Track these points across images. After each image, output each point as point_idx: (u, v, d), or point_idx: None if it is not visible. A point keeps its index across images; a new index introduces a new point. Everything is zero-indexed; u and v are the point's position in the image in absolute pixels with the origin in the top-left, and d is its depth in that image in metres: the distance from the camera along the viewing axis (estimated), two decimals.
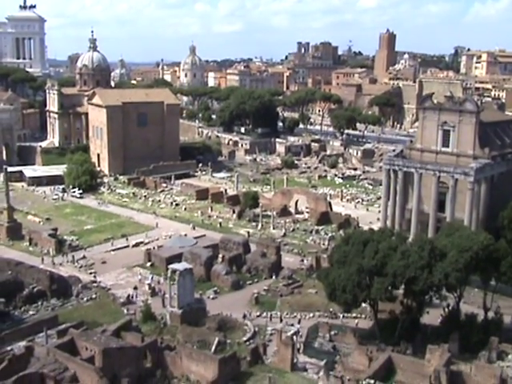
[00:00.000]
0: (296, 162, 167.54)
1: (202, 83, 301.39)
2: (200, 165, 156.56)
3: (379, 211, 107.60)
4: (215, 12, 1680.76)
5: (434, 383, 52.69)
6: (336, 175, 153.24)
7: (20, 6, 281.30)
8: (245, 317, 69.53)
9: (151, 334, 62.22)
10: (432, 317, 65.73)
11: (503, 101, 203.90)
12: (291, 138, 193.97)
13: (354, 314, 69.12)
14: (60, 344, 56.26)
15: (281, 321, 69.30)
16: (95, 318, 67.58)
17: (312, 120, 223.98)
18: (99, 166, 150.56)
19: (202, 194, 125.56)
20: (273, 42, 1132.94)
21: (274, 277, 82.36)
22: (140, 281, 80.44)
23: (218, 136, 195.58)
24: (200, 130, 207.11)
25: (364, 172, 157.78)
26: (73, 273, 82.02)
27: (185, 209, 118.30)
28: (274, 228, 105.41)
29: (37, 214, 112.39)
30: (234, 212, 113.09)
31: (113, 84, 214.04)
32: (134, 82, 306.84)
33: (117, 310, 71.17)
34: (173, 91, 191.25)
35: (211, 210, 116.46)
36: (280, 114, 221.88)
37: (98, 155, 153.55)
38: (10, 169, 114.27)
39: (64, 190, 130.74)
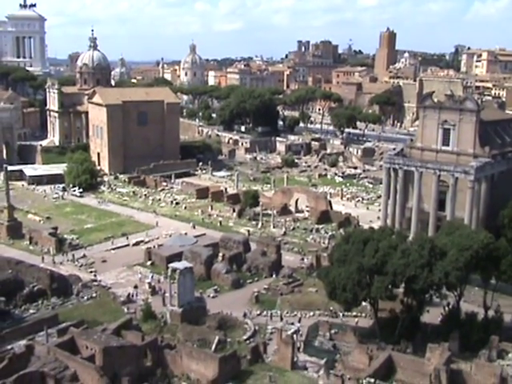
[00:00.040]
0: (296, 160, 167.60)
1: (202, 82, 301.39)
2: (200, 163, 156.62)
3: (379, 210, 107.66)
4: (215, 11, 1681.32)
5: (434, 382, 52.71)
6: (336, 174, 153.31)
7: (20, 5, 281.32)
8: (245, 315, 69.59)
9: (151, 333, 62.23)
10: (432, 315, 65.76)
11: (503, 99, 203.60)
12: (291, 137, 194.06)
13: (354, 313, 69.19)
14: (60, 343, 56.30)
15: (281, 319, 69.36)
16: (95, 316, 67.61)
17: (312, 119, 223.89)
18: (99, 164, 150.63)
19: (202, 193, 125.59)
20: (273, 40, 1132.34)
21: (274, 275, 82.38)
22: (140, 279, 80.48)
23: (218, 135, 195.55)
24: (200, 128, 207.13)
25: (364, 171, 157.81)
26: (73, 272, 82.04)
27: (185, 208, 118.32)
28: (274, 227, 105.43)
29: (37, 212, 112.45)
30: (234, 211, 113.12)
31: (113, 83, 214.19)
32: (134, 80, 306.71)
33: (117, 308, 71.21)
34: (173, 90, 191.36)
35: (211, 208, 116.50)
36: (280, 112, 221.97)
37: (99, 154, 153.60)
38: (10, 168, 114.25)
39: (64, 189, 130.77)
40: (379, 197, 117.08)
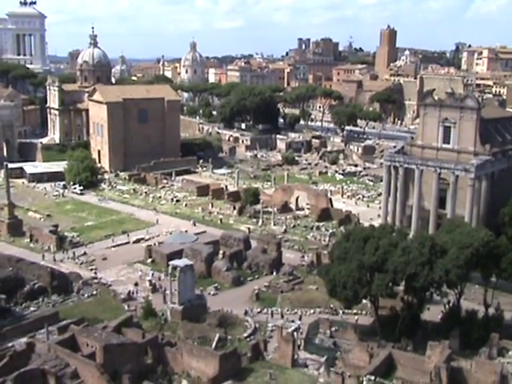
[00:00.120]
0: (297, 158, 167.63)
1: (202, 79, 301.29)
2: (201, 161, 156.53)
3: (380, 207, 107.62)
4: (216, 8, 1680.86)
5: (434, 379, 52.75)
6: (337, 171, 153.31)
7: (20, 2, 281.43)
8: (246, 313, 69.65)
9: (152, 331, 62.28)
10: (432, 313, 65.69)
11: (504, 97, 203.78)
12: (292, 135, 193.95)
13: (354, 311, 69.19)
14: (61, 340, 56.38)
15: (281, 317, 69.41)
16: (96, 314, 67.69)
17: (313, 116, 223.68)
18: (100, 162, 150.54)
19: (203, 191, 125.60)
20: (273, 38, 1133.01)
21: (274, 273, 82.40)
22: (141, 277, 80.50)
23: (218, 132, 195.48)
24: (201, 126, 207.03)
25: (365, 168, 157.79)
26: (73, 269, 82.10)
27: (185, 205, 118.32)
28: (274, 224, 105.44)
29: (37, 210, 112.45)
30: (234, 208, 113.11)
31: (113, 80, 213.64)
32: (134, 78, 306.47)
33: (117, 306, 71.25)
34: (173, 87, 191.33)
35: (212, 206, 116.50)
36: (281, 110, 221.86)
37: (99, 152, 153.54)
38: (10, 165, 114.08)
39: (65, 187, 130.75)
40: (380, 194, 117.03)
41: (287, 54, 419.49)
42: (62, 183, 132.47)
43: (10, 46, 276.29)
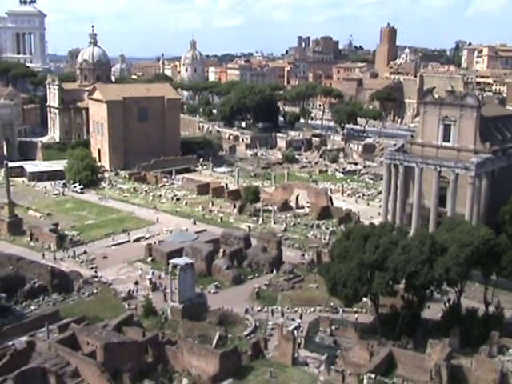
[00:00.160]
0: (297, 156, 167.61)
1: (202, 78, 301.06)
2: (201, 159, 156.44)
3: (380, 206, 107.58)
4: (216, 6, 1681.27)
5: (434, 377, 52.80)
6: (337, 170, 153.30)
7: (20, 1, 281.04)
8: (247, 311, 69.69)
9: (152, 329, 62.32)
10: (433, 311, 65.75)
11: (504, 95, 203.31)
12: (292, 133, 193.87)
13: (354, 309, 69.19)
14: (61, 339, 56.44)
15: (282, 315, 69.44)
16: (96, 312, 67.72)
17: (313, 115, 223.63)
18: (100, 161, 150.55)
19: (203, 189, 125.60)
20: (273, 36, 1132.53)
21: (274, 271, 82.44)
22: (141, 276, 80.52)
23: (218, 131, 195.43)
24: (201, 124, 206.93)
25: (365, 166, 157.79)
26: (74, 268, 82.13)
27: (186, 203, 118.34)
28: (274, 223, 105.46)
29: (38, 209, 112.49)
30: (234, 207, 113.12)
31: (113, 79, 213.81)
32: (134, 76, 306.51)
33: (118, 304, 71.28)
34: (173, 86, 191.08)
35: (212, 204, 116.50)
36: (281, 108, 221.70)
37: (99, 150, 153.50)
38: (10, 164, 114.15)
39: (65, 185, 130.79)
40: (380, 193, 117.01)
41: (287, 52, 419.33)
42: (62, 182, 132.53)
43: (9, 44, 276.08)
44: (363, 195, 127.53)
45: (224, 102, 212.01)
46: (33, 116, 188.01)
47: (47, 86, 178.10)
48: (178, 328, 63.80)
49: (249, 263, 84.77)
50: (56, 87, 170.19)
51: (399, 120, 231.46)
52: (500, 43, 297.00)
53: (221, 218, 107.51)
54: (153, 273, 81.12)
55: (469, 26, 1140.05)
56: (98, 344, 54.11)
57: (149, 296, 72.38)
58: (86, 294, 74.12)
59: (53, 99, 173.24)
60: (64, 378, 51.56)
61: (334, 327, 64.48)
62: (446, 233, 63.65)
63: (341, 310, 69.67)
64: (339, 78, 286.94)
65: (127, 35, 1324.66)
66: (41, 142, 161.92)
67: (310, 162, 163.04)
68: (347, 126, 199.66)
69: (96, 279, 78.98)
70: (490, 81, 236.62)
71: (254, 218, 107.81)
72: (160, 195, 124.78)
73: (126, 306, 70.68)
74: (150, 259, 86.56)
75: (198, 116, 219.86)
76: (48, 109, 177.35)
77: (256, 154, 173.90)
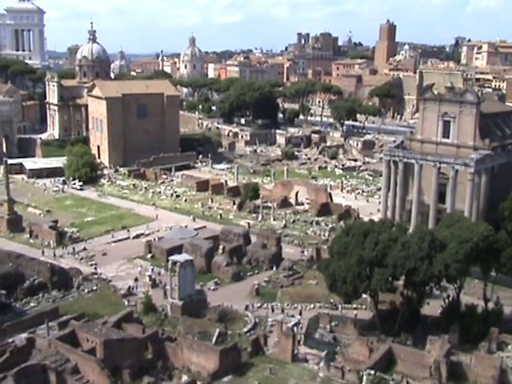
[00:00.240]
0: (296, 153, 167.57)
1: (201, 74, 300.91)
2: (200, 156, 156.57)
3: (379, 202, 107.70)
4: (215, 3, 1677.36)
5: (434, 374, 52.88)
6: (336, 166, 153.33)
7: None
8: (247, 308, 69.73)
9: (152, 326, 62.38)
10: (432, 308, 65.83)
11: (504, 92, 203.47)
12: (291, 130, 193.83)
13: (354, 305, 69.25)
14: (61, 336, 56.48)
15: (281, 312, 69.50)
16: (96, 309, 67.78)
17: (312, 111, 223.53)
18: (99, 157, 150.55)
19: (203, 186, 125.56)
20: (273, 33, 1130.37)
21: (274, 268, 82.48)
22: (140, 272, 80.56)
23: (218, 127, 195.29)
24: (200, 121, 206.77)
25: (364, 163, 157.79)
26: (73, 265, 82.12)
27: (185, 200, 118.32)
28: (274, 219, 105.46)
29: (37, 206, 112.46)
30: (234, 203, 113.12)
31: (112, 76, 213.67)
32: (133, 73, 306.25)
33: (118, 301, 71.34)
34: (173, 83, 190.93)
35: (211, 201, 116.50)
36: (280, 105, 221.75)
37: (98, 147, 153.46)
38: (10, 161, 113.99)
39: (64, 182, 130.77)
40: (379, 189, 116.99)
41: (286, 48, 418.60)
42: (61, 179, 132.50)
43: (8, 41, 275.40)
44: (363, 192, 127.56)
45: (223, 98, 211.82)
46: (32, 113, 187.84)
47: (46, 83, 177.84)
48: (177, 325, 63.85)
49: (248, 260, 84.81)
50: (55, 84, 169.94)
51: (399, 116, 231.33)
52: (499, 39, 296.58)
53: (220, 215, 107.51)
54: (152, 269, 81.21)
55: (468, 23, 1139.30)
56: (97, 341, 54.17)
57: (148, 293, 72.37)
58: (86, 290, 74.17)
59: (52, 96, 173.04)
60: (64, 374, 51.63)
61: (333, 324, 64.52)
62: (445, 229, 63.66)
63: (340, 306, 69.76)
64: (338, 74, 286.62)
65: (126, 32, 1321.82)
66: (40, 138, 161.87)
67: (309, 159, 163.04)
68: (347, 122, 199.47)
69: (96, 276, 79.01)
70: (490, 77, 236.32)
71: (254, 215, 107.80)
72: (159, 192, 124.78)
73: (126, 302, 70.76)
74: (149, 256, 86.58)
75: (197, 113, 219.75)
76: (47, 106, 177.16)
77: (255, 150, 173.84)
